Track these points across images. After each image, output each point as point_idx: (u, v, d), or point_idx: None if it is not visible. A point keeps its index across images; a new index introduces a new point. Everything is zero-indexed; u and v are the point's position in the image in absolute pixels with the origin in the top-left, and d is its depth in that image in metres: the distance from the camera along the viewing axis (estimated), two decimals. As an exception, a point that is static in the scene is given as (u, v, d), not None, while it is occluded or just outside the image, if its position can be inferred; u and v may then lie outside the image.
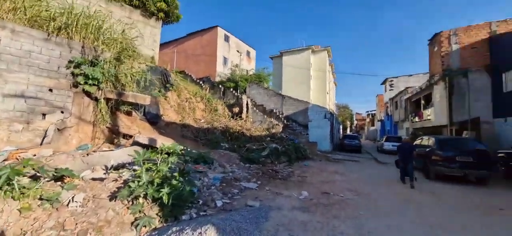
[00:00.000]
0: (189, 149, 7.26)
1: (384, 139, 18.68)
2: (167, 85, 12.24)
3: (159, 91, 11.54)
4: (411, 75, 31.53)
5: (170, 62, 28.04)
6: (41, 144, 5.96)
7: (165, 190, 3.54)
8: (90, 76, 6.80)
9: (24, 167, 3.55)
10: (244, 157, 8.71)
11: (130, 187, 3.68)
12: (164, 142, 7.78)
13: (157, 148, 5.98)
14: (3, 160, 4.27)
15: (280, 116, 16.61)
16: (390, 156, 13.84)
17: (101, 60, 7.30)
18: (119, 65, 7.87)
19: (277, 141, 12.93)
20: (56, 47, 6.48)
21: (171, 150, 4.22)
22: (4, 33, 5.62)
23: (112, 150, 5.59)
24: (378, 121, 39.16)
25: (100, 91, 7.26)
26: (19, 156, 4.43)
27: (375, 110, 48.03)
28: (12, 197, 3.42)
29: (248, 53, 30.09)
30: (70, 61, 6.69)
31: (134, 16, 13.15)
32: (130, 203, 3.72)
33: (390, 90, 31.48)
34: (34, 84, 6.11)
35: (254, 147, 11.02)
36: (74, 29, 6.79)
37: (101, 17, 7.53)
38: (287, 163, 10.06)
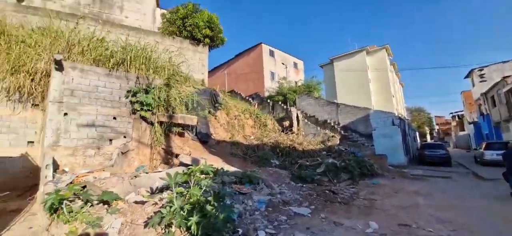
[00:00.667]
0: (234, 168, 6.87)
1: (483, 146, 14.25)
2: (216, 105, 12.60)
3: (209, 112, 11.94)
4: (506, 62, 24.29)
5: (222, 83, 29.87)
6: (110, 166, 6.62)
7: (194, 218, 3.07)
8: (144, 103, 7.38)
9: (72, 191, 3.70)
10: (295, 175, 7.77)
11: (162, 213, 3.39)
12: (212, 161, 7.67)
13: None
14: (70, 183, 4.71)
15: (336, 126, 14.89)
16: (496, 169, 10.23)
17: (153, 87, 7.91)
18: (169, 90, 8.40)
19: (335, 155, 11.40)
20: (116, 80, 7.32)
21: (204, 171, 3.79)
22: (75, 73, 6.64)
23: (160, 172, 5.64)
24: (470, 123, 31.08)
25: (154, 116, 7.80)
26: (82, 179, 4.84)
27: (462, 111, 38.75)
28: (62, 221, 3.59)
29: (295, 64, 29.30)
30: (128, 91, 7.44)
31: (184, 45, 14.42)
32: (163, 231, 3.41)
33: (481, 81, 24.86)
34: (101, 114, 6.95)
35: (307, 163, 9.90)
36: (129, 63, 7.61)
37: (150, 48, 8.23)
38: (348, 181, 8.53)
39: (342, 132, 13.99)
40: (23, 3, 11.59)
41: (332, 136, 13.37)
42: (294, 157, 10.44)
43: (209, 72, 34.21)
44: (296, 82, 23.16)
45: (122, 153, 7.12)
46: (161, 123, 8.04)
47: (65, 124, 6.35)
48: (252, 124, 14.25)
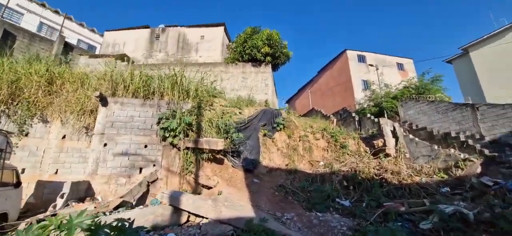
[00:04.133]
0: (247, 214, 4.70)
1: None
2: (274, 125, 10.79)
3: (265, 134, 10.31)
4: None
5: (306, 104, 27.47)
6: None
7: None
8: (168, 128, 6.93)
9: None
10: (360, 233, 4.40)
11: None
12: (236, 198, 5.87)
13: (183, 211, 4.19)
14: (53, 214, 4.49)
15: (473, 143, 8.73)
16: None
17: (184, 111, 7.44)
18: (200, 113, 7.68)
19: (470, 194, 6.31)
20: (149, 109, 7.39)
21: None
22: (117, 106, 7.17)
23: (133, 209, 4.57)
24: None
25: (181, 141, 7.20)
26: (67, 212, 4.54)
27: None
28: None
29: (400, 66, 22.17)
30: (160, 118, 7.31)
31: (246, 69, 14.03)
32: None
33: None
34: (134, 142, 7.07)
35: (403, 208, 5.85)
36: (163, 91, 7.58)
37: (179, 74, 7.95)
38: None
39: (488, 151, 7.81)
40: (135, 63, 15.38)
41: (466, 160, 7.70)
42: (378, 195, 6.55)
43: (293, 96, 33.12)
44: (406, 86, 16.82)
45: (150, 182, 6.79)
46: (191, 149, 7.30)
47: (103, 154, 6.82)
48: (324, 146, 11.08)
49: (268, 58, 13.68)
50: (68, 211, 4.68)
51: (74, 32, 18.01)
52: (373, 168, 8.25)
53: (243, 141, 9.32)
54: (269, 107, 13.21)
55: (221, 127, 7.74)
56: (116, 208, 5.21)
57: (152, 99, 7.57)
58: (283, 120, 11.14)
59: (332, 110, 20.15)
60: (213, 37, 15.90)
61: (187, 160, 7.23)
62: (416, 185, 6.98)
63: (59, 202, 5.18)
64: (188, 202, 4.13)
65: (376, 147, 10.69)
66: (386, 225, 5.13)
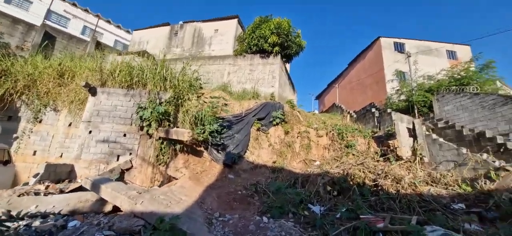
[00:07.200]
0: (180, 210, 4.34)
1: None
2: (271, 120, 10.07)
3: (258, 129, 9.71)
4: None
5: (332, 101, 25.23)
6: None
7: None
8: (142, 118, 7.05)
9: None
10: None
11: None
12: (183, 192, 5.59)
13: (105, 201, 4.10)
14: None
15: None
16: None
17: (162, 101, 7.49)
18: (177, 104, 7.61)
19: (490, 214, 4.66)
20: (131, 98, 7.65)
21: None
22: (104, 96, 7.63)
23: (60, 193, 4.66)
24: None
25: (155, 131, 7.25)
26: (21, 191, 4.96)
27: None
28: None
29: (451, 54, 18.09)
30: (138, 108, 7.51)
31: (254, 61, 13.49)
32: None
33: None
34: (115, 131, 7.43)
35: (382, 224, 4.64)
36: (146, 82, 7.77)
37: (161, 66, 8.00)
38: None
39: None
40: (156, 58, 16.41)
41: (501, 169, 5.62)
42: (358, 205, 5.35)
43: (323, 91, 30.88)
44: (448, 75, 13.63)
45: (124, 170, 7.04)
46: (166, 139, 7.29)
47: (88, 140, 7.35)
48: (326, 144, 9.83)
49: (276, 48, 12.85)
50: (27, 189, 5.12)
51: (112, 34, 20.45)
52: (371, 172, 6.86)
53: (231, 134, 8.95)
54: (273, 101, 12.45)
55: (199, 118, 7.52)
56: (75, 190, 5.49)
57: (136, 89, 7.83)
58: (282, 115, 10.33)
59: (362, 105, 17.98)
60: (226, 30, 15.80)
61: (161, 149, 7.26)
62: (417, 197, 5.48)
63: (32, 181, 5.77)
64: (107, 190, 4.02)
65: (392, 147, 8.97)
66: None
